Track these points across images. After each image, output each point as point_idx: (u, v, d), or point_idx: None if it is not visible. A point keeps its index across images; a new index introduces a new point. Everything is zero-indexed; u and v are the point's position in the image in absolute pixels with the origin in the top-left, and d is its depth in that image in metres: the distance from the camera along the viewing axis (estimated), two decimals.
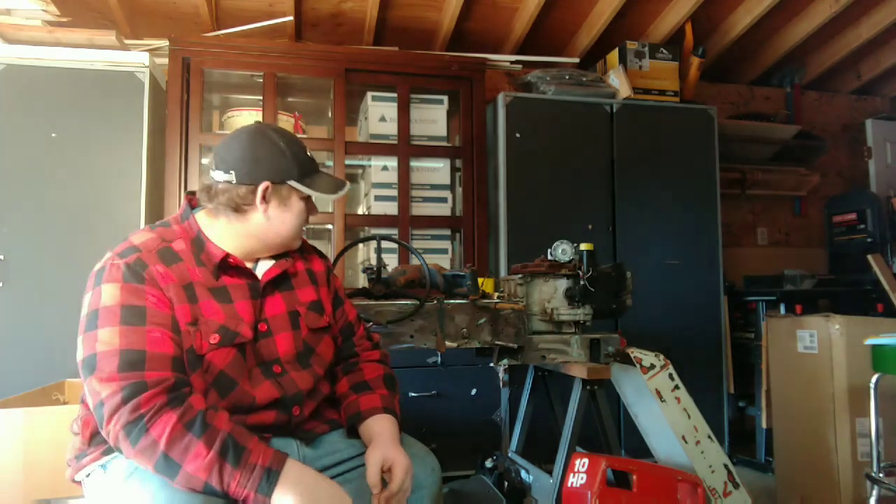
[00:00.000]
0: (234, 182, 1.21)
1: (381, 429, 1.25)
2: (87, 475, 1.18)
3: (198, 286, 1.19)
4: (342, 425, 1.34)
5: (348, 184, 1.34)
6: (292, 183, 1.24)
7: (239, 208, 1.23)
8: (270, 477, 1.04)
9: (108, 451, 1.15)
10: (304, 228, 1.34)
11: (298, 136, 2.15)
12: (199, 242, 1.24)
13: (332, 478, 1.26)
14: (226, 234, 1.25)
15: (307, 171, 1.26)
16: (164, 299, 1.13)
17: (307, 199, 1.29)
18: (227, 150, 1.24)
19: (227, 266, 1.24)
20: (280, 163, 1.23)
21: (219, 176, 1.22)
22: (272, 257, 1.32)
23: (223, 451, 1.03)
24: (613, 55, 3.29)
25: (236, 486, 1.03)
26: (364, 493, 1.23)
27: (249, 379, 1.20)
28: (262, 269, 1.30)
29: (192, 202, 1.31)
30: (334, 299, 1.42)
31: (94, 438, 1.19)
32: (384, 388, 1.35)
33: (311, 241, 1.49)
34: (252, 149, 1.23)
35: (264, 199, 1.22)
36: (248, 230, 1.25)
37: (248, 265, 1.28)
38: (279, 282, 1.31)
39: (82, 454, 1.19)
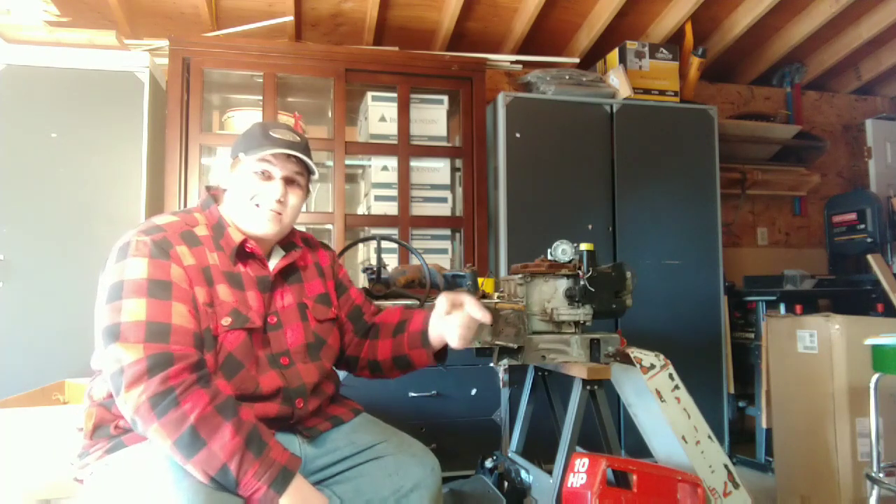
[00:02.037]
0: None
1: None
2: (91, 473, 1.18)
3: (214, 269, 1.23)
4: (344, 421, 1.35)
5: (293, 141, 1.31)
6: (241, 154, 1.31)
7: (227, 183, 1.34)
8: (286, 476, 1.08)
9: (111, 450, 1.16)
10: (277, 211, 1.31)
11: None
12: (219, 227, 1.29)
13: (332, 476, 1.28)
14: (232, 212, 1.31)
15: (262, 144, 1.30)
16: (186, 277, 1.17)
17: (261, 173, 1.30)
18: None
19: (244, 253, 1.28)
20: (242, 140, 1.32)
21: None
22: (283, 249, 1.37)
23: (249, 439, 1.06)
24: (613, 55, 3.29)
25: (252, 475, 1.05)
26: (362, 492, 1.24)
27: (256, 365, 1.22)
28: (274, 262, 1.34)
29: (213, 194, 1.36)
30: (337, 286, 1.46)
31: (96, 432, 1.19)
32: (410, 313, 1.44)
33: None
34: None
35: (231, 171, 1.33)
36: (231, 201, 1.31)
37: (264, 256, 1.32)
38: (289, 274, 1.35)
39: (85, 453, 1.20)
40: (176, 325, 1.11)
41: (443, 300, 1.32)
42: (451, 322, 1.30)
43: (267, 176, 1.30)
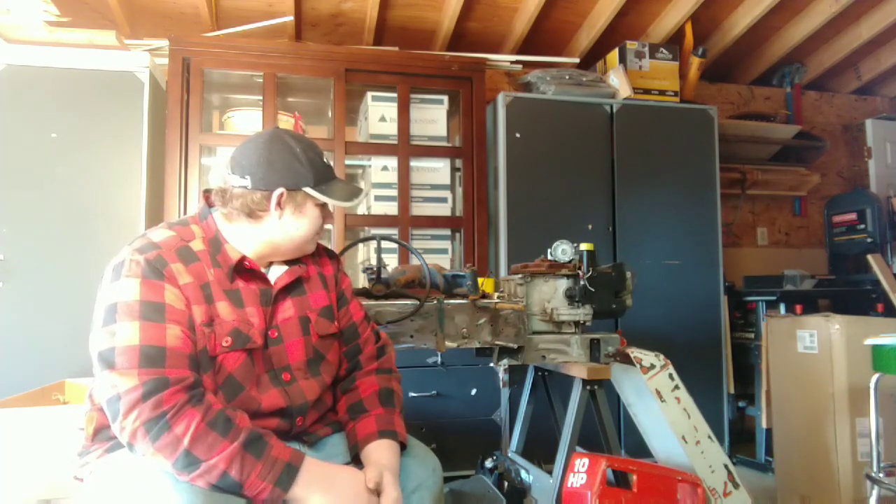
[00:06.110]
0: (249, 187, 1.22)
1: (377, 458, 1.21)
2: (91, 472, 1.17)
3: (213, 286, 1.19)
4: (343, 428, 1.34)
5: (364, 191, 1.35)
6: (307, 190, 1.24)
7: (253, 213, 1.23)
8: (290, 472, 1.07)
9: (112, 449, 1.16)
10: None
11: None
12: (216, 243, 1.24)
13: None
14: (241, 237, 1.25)
15: (323, 177, 1.26)
16: (182, 297, 1.14)
17: (322, 206, 1.29)
18: (244, 154, 1.24)
19: (242, 269, 1.24)
20: (295, 169, 1.23)
21: (234, 180, 1.23)
22: (285, 262, 1.32)
23: (247, 443, 1.05)
24: (613, 55, 3.29)
25: (256, 477, 1.04)
26: None
27: (257, 385, 1.20)
28: (275, 274, 1.30)
29: (209, 200, 1.30)
30: (339, 298, 1.40)
31: (97, 435, 1.19)
32: (379, 407, 1.32)
33: None
34: (268, 154, 1.23)
35: (279, 205, 1.23)
36: (262, 235, 1.25)
37: (263, 269, 1.28)
38: (291, 287, 1.31)
39: (85, 451, 1.20)
40: (171, 348, 1.08)
41: (371, 475, 1.15)
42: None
43: (330, 210, 1.31)
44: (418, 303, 1.70)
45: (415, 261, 2.29)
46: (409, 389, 2.62)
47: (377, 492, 1.14)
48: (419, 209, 2.93)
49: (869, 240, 3.70)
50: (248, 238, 1.25)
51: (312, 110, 3.23)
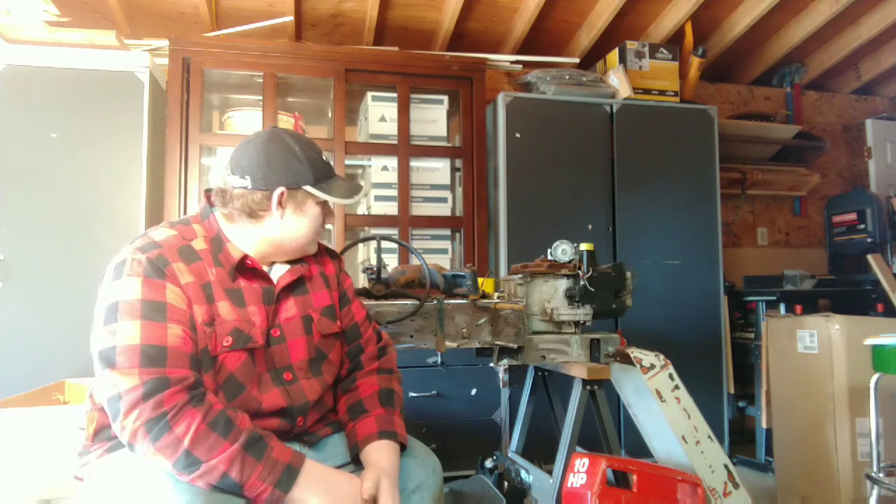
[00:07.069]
0: (249, 187, 1.21)
1: (376, 459, 1.21)
2: (91, 472, 1.18)
3: (215, 286, 1.19)
4: (343, 428, 1.34)
5: (364, 188, 1.35)
6: (308, 188, 1.24)
7: (254, 213, 1.23)
8: (291, 473, 1.07)
9: (112, 449, 1.16)
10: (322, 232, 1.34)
11: None
12: (218, 242, 1.24)
13: None
14: (243, 236, 1.25)
15: (322, 175, 1.26)
16: (183, 296, 1.14)
17: (323, 204, 1.29)
18: (243, 154, 1.24)
19: (244, 268, 1.24)
20: (295, 168, 1.23)
21: (234, 181, 1.23)
22: (288, 262, 1.32)
23: (247, 445, 1.05)
24: (613, 55, 3.29)
25: (256, 478, 1.04)
26: None
27: (258, 385, 1.20)
28: (277, 273, 1.29)
29: (210, 199, 1.30)
30: (341, 298, 1.41)
31: (98, 435, 1.19)
32: (379, 407, 1.32)
33: None
34: (267, 154, 1.22)
35: (280, 204, 1.22)
36: (263, 235, 1.25)
37: (265, 268, 1.28)
38: (294, 286, 1.30)
39: (86, 451, 1.20)
40: (171, 348, 1.08)
41: (368, 483, 1.14)
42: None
43: (331, 208, 1.32)
44: (418, 303, 1.70)
45: (415, 261, 2.29)
46: (409, 389, 2.62)
47: (373, 500, 1.14)
48: (419, 209, 2.93)
49: (869, 240, 3.70)
50: (249, 238, 1.25)
51: (312, 110, 3.23)
